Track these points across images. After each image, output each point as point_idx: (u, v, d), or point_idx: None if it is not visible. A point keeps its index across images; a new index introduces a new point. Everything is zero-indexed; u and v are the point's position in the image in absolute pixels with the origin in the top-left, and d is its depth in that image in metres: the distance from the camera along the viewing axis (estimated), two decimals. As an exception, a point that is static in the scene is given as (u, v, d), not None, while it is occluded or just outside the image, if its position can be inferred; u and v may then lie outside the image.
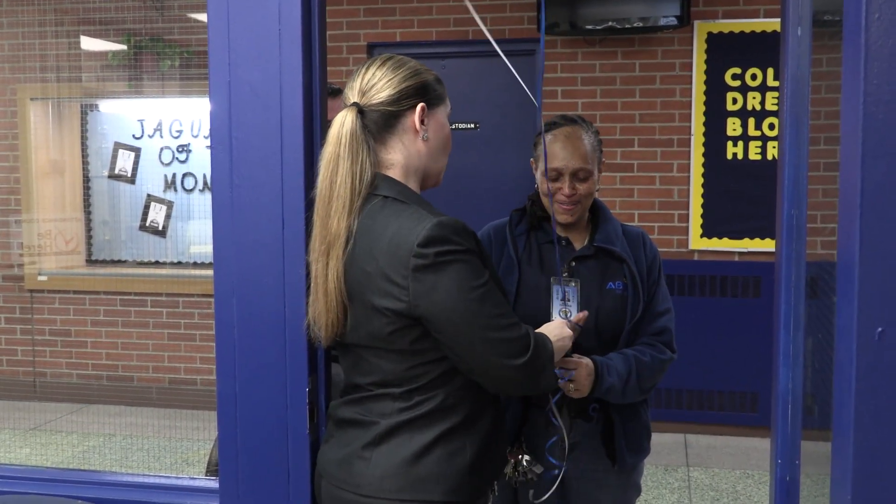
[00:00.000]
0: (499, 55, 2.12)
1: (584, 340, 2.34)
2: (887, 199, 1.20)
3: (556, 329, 2.03)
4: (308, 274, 1.79)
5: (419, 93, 1.83)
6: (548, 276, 2.39)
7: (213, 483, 1.98)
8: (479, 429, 1.82)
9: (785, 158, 1.80)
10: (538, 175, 2.44)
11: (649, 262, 2.46)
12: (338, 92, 3.24)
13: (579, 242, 2.46)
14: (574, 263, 2.41)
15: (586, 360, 2.25)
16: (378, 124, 1.80)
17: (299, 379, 1.83)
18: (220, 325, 1.85)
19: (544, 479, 2.35)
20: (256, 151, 1.80)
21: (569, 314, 2.34)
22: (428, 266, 1.67)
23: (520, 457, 2.34)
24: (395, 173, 1.82)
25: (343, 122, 1.76)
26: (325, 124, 1.90)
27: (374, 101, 1.79)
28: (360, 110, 1.78)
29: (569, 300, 2.34)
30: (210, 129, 1.83)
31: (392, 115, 1.81)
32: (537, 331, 1.89)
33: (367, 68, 1.84)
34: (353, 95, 1.82)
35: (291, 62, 1.78)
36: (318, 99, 1.84)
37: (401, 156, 1.82)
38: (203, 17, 1.79)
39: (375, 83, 1.80)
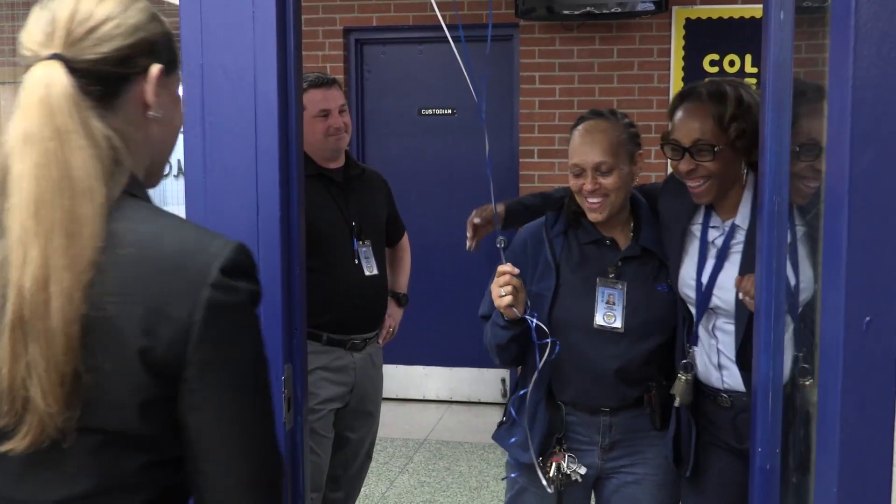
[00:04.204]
0: (462, 41, 2.08)
1: (625, 350, 2.24)
2: (875, 185, 1.18)
3: None
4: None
5: (154, 49, 1.20)
6: (589, 278, 2.27)
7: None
8: None
9: (766, 145, 1.78)
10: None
11: None
12: (331, 82, 3.09)
13: (624, 242, 2.34)
14: (620, 264, 2.29)
15: None
16: (98, 91, 1.14)
17: (274, 367, 1.80)
18: (193, 313, 1.81)
19: (586, 478, 2.30)
20: (230, 136, 1.76)
21: (613, 319, 2.23)
22: (234, 306, 1.14)
23: (563, 458, 2.27)
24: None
25: (49, 83, 1.09)
26: (301, 109, 1.85)
27: (90, 56, 1.12)
28: (70, 67, 1.11)
29: (614, 304, 2.23)
30: (183, 113, 1.79)
31: (119, 79, 1.16)
32: None
33: None
34: (47, 40, 1.12)
35: (266, 45, 1.74)
36: (294, 82, 1.80)
37: (121, 140, 1.16)
38: (176, -2, 1.73)
39: (97, 26, 1.13)
